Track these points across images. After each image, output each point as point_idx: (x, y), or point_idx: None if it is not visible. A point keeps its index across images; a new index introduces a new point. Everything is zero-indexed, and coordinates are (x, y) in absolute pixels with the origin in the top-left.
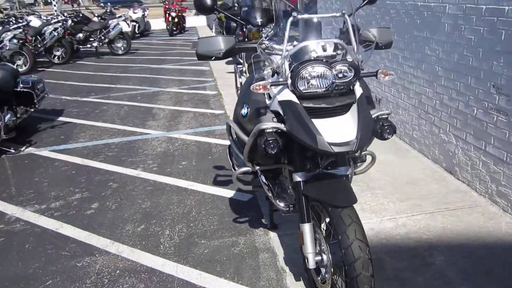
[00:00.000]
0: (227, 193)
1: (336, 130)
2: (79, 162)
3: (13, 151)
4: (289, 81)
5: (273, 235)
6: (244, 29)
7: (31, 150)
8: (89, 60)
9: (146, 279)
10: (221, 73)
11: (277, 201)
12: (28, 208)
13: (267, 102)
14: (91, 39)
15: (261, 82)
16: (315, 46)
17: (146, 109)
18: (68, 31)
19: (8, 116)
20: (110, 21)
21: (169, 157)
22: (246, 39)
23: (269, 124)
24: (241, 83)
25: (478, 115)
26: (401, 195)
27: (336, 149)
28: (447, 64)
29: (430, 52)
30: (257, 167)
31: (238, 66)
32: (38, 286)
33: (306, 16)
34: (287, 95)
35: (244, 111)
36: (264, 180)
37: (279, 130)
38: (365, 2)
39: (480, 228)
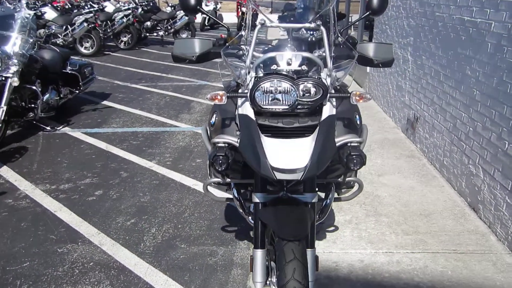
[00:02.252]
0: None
1: (287, 155)
2: (103, 147)
3: (49, 128)
4: (248, 94)
5: None
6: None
7: (66, 130)
8: (154, 48)
9: (113, 277)
10: None
11: (249, 218)
12: (39, 187)
13: (237, 112)
14: (157, 27)
15: (219, 92)
16: (280, 59)
17: (185, 102)
18: (137, 19)
19: (49, 95)
20: (177, 12)
21: (186, 153)
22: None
23: (221, 138)
24: None
25: (509, 150)
26: (408, 227)
27: (279, 176)
28: (485, 88)
29: (470, 72)
30: (228, 179)
31: None
32: (16, 266)
33: (274, 24)
34: (246, 109)
35: (213, 119)
36: (235, 194)
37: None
38: (367, 13)
39: (485, 279)
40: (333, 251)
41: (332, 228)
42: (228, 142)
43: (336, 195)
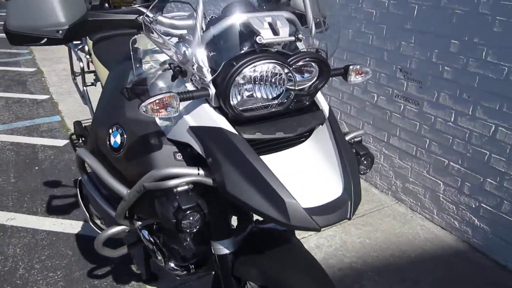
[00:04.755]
0: (73, 225)
1: (305, 180)
2: None
3: None
4: (212, 91)
5: None
6: None
7: None
8: None
9: None
10: None
11: (171, 263)
12: None
13: (158, 122)
14: None
15: (161, 97)
16: (257, 24)
17: None
18: None
19: None
20: None
21: None
22: (108, 4)
23: (183, 178)
24: (82, 68)
25: (379, 102)
26: None
27: (323, 222)
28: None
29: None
30: (139, 223)
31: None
32: None
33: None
34: (209, 115)
35: (114, 139)
36: (147, 237)
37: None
38: None
39: (399, 237)
40: None
41: None
42: (196, 181)
43: None
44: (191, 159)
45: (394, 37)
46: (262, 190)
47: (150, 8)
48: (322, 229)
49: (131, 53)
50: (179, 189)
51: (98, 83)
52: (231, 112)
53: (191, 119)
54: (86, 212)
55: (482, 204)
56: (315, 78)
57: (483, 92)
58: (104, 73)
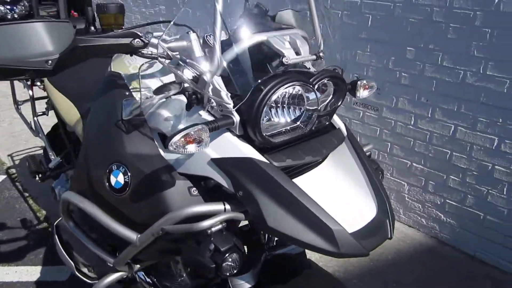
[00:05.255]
0: (29, 272)
1: (335, 200)
2: None
3: None
4: (236, 119)
5: None
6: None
7: None
8: None
9: None
10: None
11: None
12: None
13: (163, 155)
14: None
15: (190, 130)
16: (279, 44)
17: None
18: None
19: None
20: None
21: None
22: (93, 28)
23: (217, 217)
24: (31, 96)
25: (338, 110)
26: None
27: (370, 245)
28: None
29: None
30: (137, 266)
31: None
32: None
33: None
34: (234, 145)
35: (116, 179)
36: (144, 278)
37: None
38: None
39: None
40: None
41: None
42: (231, 218)
43: None
44: (207, 192)
45: (350, 46)
46: (307, 220)
47: (161, 37)
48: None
49: (139, 80)
50: (214, 229)
51: (51, 112)
52: (259, 139)
53: (212, 151)
54: (69, 260)
55: (447, 200)
56: (330, 97)
57: (441, 95)
58: (61, 100)
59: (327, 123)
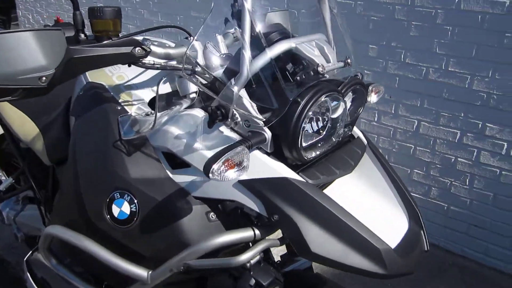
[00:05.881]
0: None
1: (368, 214)
2: None
3: None
4: (268, 135)
5: None
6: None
7: None
8: None
9: None
10: None
11: None
12: None
13: (172, 177)
14: None
15: (232, 155)
16: (309, 51)
17: None
18: None
19: None
20: None
21: None
22: (84, 35)
23: (255, 248)
24: None
25: None
26: None
27: (412, 262)
28: None
29: None
30: None
31: None
32: None
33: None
34: (265, 164)
35: (120, 209)
36: None
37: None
38: None
39: None
40: None
41: None
42: (269, 247)
43: None
44: (226, 216)
45: None
46: (353, 242)
47: (189, 47)
48: None
49: (157, 95)
50: (252, 261)
51: None
52: (295, 156)
53: (255, 171)
54: None
55: (412, 193)
56: (349, 104)
57: (404, 92)
58: (12, 113)
59: (349, 132)
